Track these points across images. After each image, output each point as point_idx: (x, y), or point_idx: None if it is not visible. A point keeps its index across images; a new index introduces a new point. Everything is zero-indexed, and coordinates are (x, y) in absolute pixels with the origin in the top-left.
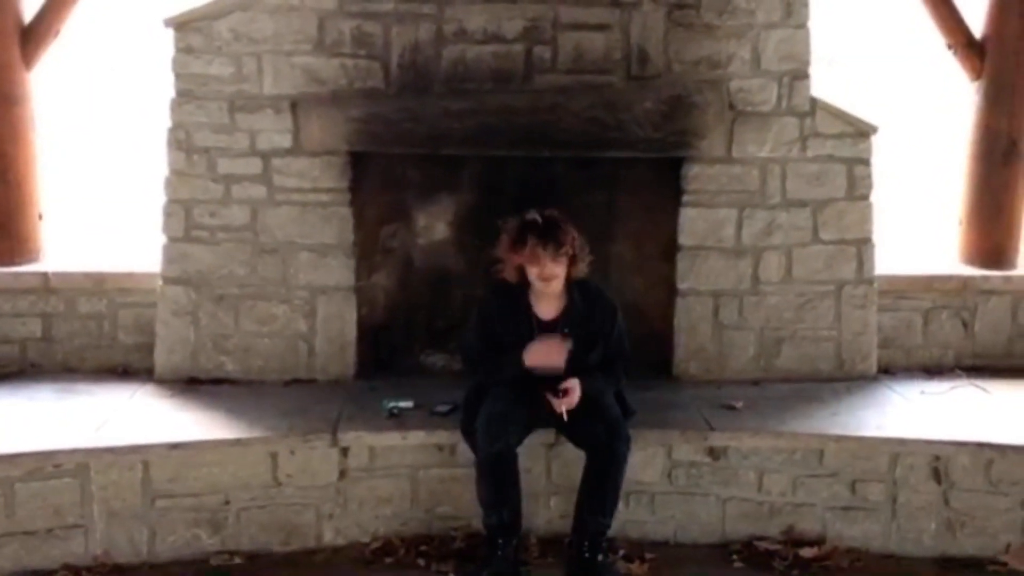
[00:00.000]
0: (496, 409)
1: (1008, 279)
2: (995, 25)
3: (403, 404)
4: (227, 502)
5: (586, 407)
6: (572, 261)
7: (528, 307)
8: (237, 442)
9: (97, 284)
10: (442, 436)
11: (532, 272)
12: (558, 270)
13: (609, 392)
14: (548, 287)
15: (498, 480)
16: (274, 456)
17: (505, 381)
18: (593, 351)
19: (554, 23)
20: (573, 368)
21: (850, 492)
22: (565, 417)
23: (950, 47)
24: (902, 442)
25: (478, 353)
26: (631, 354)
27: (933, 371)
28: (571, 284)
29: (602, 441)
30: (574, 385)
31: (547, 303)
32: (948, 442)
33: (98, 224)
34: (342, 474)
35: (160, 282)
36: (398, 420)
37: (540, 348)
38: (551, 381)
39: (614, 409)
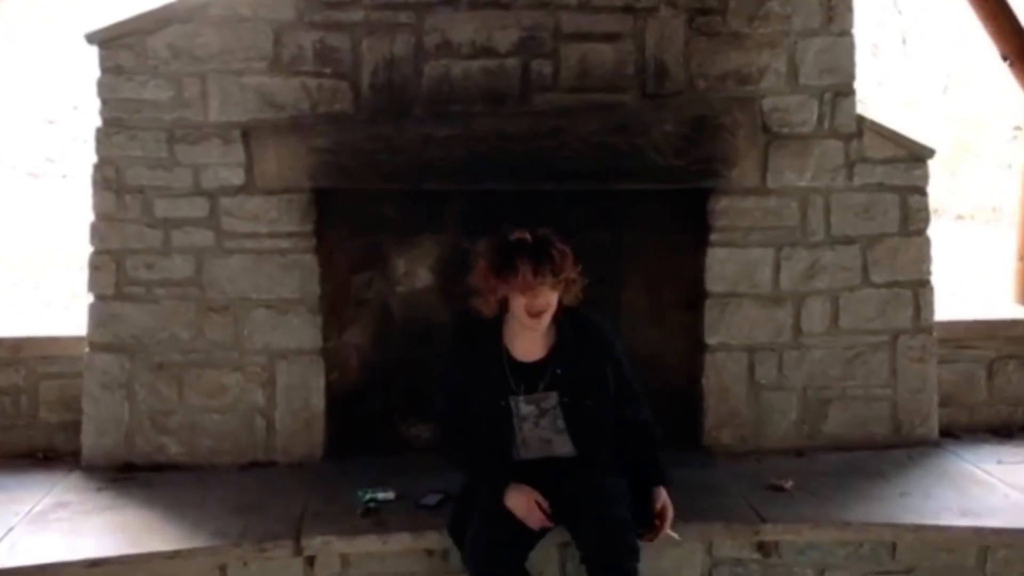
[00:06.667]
0: (487, 531)
1: None
2: None
3: (382, 495)
4: None
5: (584, 505)
6: (567, 287)
7: (500, 347)
8: (175, 554)
9: (13, 352)
10: (432, 538)
11: (518, 305)
12: (553, 299)
13: (616, 486)
14: (539, 323)
15: None
16: (223, 569)
17: (482, 489)
18: (588, 398)
19: (555, 33)
20: (579, 454)
21: None
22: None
23: (1006, 58)
24: (996, 532)
25: (450, 427)
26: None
27: (1002, 432)
28: (561, 315)
29: (601, 556)
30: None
31: (528, 341)
32: None
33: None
34: None
35: (87, 349)
36: (376, 517)
37: (520, 500)
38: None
39: (619, 512)
